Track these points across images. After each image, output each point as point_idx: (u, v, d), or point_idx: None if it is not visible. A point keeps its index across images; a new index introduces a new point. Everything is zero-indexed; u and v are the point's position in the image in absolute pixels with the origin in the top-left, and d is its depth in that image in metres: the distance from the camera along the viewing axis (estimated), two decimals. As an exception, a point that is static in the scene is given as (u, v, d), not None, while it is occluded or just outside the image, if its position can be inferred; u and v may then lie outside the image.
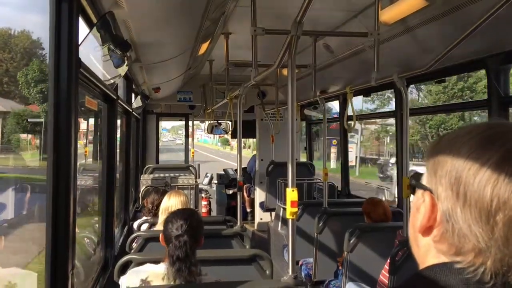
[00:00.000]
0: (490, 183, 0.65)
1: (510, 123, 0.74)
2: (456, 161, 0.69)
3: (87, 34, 2.25)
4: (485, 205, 0.65)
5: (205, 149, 49.19)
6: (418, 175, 0.78)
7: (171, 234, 2.20)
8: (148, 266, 2.28)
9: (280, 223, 5.95)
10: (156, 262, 2.29)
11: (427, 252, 0.74)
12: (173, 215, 2.32)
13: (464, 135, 0.72)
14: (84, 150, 5.64)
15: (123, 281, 2.30)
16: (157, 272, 2.20)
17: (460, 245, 0.68)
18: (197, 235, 2.24)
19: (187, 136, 9.01)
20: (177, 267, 2.13)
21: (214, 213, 8.70)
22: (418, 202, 0.75)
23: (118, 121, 4.21)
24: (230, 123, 8.01)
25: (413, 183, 0.79)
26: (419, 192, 0.76)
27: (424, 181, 0.76)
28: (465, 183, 0.67)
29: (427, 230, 0.73)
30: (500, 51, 2.97)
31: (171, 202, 3.31)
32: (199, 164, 7.97)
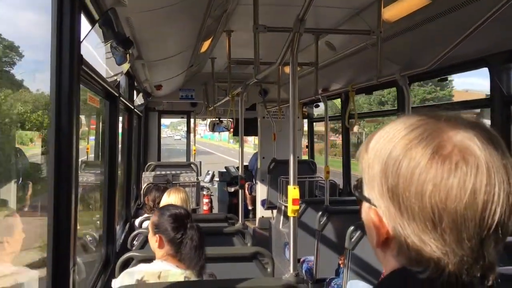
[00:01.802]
0: (425, 192, 0.63)
1: (434, 115, 0.70)
2: (387, 175, 0.67)
3: (89, 31, 2.24)
4: (427, 215, 0.64)
5: (213, 147, 45.18)
6: (361, 184, 0.75)
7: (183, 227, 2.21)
8: (141, 266, 2.24)
9: (281, 220, 5.95)
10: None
11: (389, 265, 0.73)
12: (176, 215, 2.31)
13: (388, 140, 0.69)
14: (86, 147, 5.64)
15: (116, 283, 2.24)
16: (152, 271, 2.16)
17: (418, 256, 0.66)
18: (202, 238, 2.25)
19: (188, 133, 9.02)
20: (189, 257, 2.14)
21: (215, 210, 8.70)
22: (367, 217, 0.73)
23: (120, 118, 4.22)
24: (231, 120, 8.01)
25: (357, 195, 0.76)
26: (365, 204, 0.74)
27: (366, 193, 0.73)
28: (403, 198, 0.65)
29: (384, 244, 0.71)
30: (502, 50, 2.96)
31: (170, 200, 3.31)
32: (200, 162, 7.97)
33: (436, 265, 0.65)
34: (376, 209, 0.70)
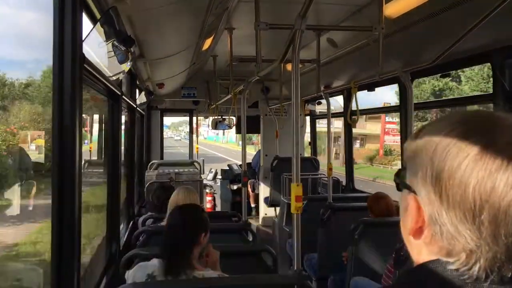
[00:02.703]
0: (470, 182, 0.64)
1: (489, 112, 0.71)
2: (434, 161, 0.68)
3: (91, 30, 2.25)
4: (468, 205, 0.64)
5: (222, 151, 40.45)
6: (402, 172, 0.76)
7: (169, 222, 2.23)
8: (154, 261, 2.29)
9: (284, 218, 5.95)
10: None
11: (420, 252, 0.73)
12: (176, 209, 2.33)
13: (439, 130, 0.70)
14: (89, 146, 5.65)
15: (130, 275, 2.31)
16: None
17: (450, 246, 0.67)
18: (196, 230, 2.24)
19: (191, 132, 9.02)
20: (167, 256, 2.16)
21: (218, 208, 8.72)
22: (405, 203, 0.74)
23: (123, 117, 4.22)
24: (234, 118, 8.01)
25: (397, 182, 0.77)
26: (404, 191, 0.74)
27: (408, 180, 0.74)
28: (446, 185, 0.66)
29: (417, 232, 0.72)
30: (505, 45, 2.95)
31: (179, 199, 3.28)
32: (203, 160, 7.97)
33: (467, 258, 0.65)
34: (416, 196, 0.71)
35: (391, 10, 3.29)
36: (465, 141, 0.66)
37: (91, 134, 5.31)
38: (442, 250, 0.68)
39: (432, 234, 0.69)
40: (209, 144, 53.47)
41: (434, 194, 0.67)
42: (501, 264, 0.64)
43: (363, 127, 33.98)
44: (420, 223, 0.70)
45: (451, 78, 26.96)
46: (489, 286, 0.64)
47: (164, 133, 10.00)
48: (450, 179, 0.65)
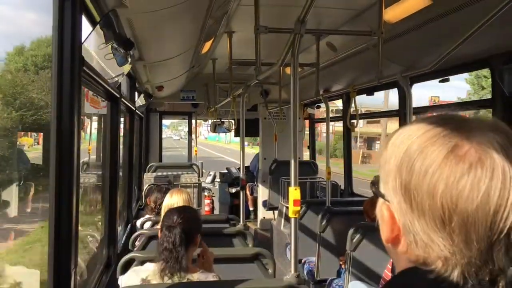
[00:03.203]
0: (438, 190, 0.63)
1: (453, 116, 0.70)
2: (401, 170, 0.68)
3: (90, 33, 2.25)
4: (437, 213, 0.63)
5: (229, 153, 34.34)
6: (378, 180, 0.76)
7: (164, 225, 2.22)
8: (148, 265, 2.28)
9: (283, 221, 5.94)
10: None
11: (399, 260, 0.73)
12: (170, 211, 2.33)
13: (406, 138, 0.69)
14: (88, 148, 5.66)
15: (123, 280, 2.30)
16: (155, 270, 2.20)
17: (426, 254, 0.67)
18: (191, 231, 2.24)
19: (190, 134, 9.02)
20: (164, 257, 2.15)
21: (217, 211, 8.70)
22: (380, 212, 0.73)
23: (122, 120, 4.22)
24: (233, 121, 8.01)
25: (373, 190, 0.77)
26: (379, 200, 0.74)
27: (382, 188, 0.74)
28: (414, 194, 0.65)
29: (394, 241, 0.71)
30: (504, 51, 2.96)
31: (173, 200, 3.29)
32: (202, 163, 7.97)
33: (443, 265, 0.65)
34: (389, 205, 0.71)
35: (391, 15, 3.30)
36: (430, 148, 0.66)
37: (90, 136, 5.32)
38: (419, 259, 0.68)
39: (407, 243, 0.69)
40: (210, 145, 51.27)
41: (405, 203, 0.67)
42: (477, 268, 0.63)
43: (384, 126, 32.61)
44: (396, 231, 0.70)
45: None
46: None
47: (164, 133, 9.99)
48: (418, 188, 0.65)
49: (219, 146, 48.74)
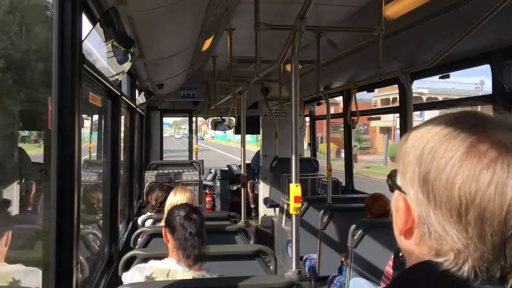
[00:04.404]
0: (456, 182, 0.64)
1: (476, 113, 0.72)
2: (421, 161, 0.69)
3: (91, 30, 2.25)
4: (454, 205, 0.64)
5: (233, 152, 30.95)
6: (395, 173, 0.77)
7: (179, 217, 2.21)
8: (152, 263, 2.28)
9: (284, 218, 5.95)
10: (160, 258, 2.29)
11: (410, 254, 0.74)
12: (176, 206, 2.33)
13: (427, 131, 0.71)
14: (89, 146, 5.66)
15: (127, 277, 2.30)
16: (161, 268, 2.20)
17: (438, 247, 0.67)
18: (203, 226, 2.25)
19: (191, 132, 9.02)
20: (190, 243, 2.14)
21: (218, 209, 8.72)
22: (396, 204, 0.75)
23: (122, 117, 4.22)
24: (233, 119, 8.02)
25: (389, 183, 0.78)
26: (396, 192, 0.75)
27: (398, 181, 0.75)
28: (433, 185, 0.66)
29: (407, 233, 0.72)
30: (505, 46, 2.96)
31: (177, 199, 3.30)
32: (202, 160, 7.97)
33: (455, 258, 0.66)
34: (405, 196, 0.72)
35: (391, 11, 3.30)
36: (452, 141, 0.67)
37: (90, 134, 5.32)
38: (431, 251, 0.69)
39: (421, 235, 0.70)
40: (219, 145, 46.04)
41: (422, 194, 0.68)
42: (489, 264, 0.64)
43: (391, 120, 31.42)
44: (410, 223, 0.71)
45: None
46: (478, 287, 0.65)
47: (165, 132, 10.03)
48: (436, 179, 0.66)
49: (231, 147, 39.53)
